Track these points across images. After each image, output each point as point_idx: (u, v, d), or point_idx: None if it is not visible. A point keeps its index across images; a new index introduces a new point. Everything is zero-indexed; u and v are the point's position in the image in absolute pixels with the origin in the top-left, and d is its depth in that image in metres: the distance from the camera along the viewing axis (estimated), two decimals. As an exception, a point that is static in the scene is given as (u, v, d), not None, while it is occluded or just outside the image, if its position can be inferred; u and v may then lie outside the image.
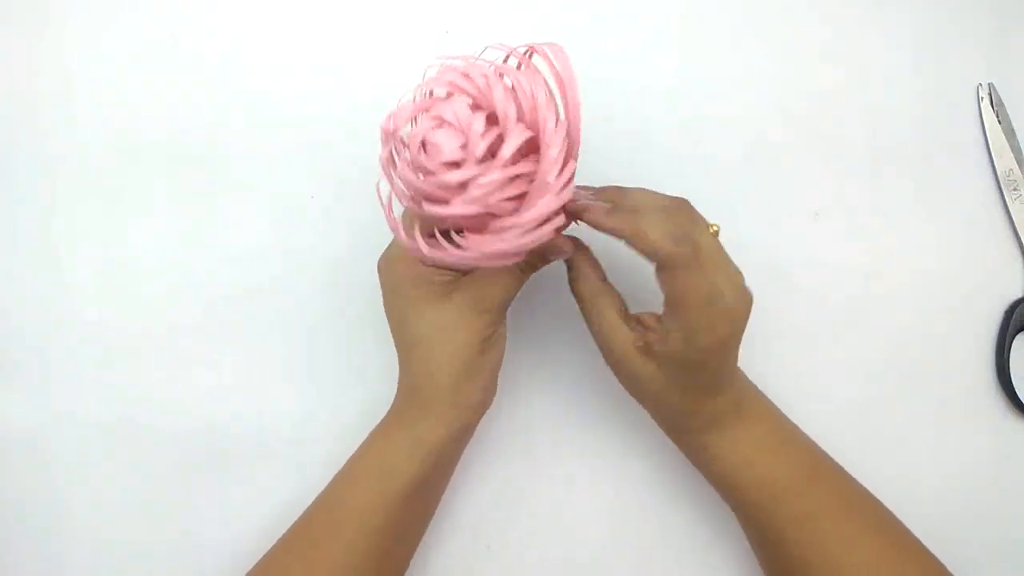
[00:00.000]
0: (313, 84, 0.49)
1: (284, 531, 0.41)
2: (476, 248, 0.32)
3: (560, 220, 0.33)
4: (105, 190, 0.48)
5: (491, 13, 0.50)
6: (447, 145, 0.32)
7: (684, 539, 0.46)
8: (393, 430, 0.41)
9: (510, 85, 0.33)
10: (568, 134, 0.33)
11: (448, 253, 0.33)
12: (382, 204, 0.35)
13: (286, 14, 0.50)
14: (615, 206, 0.36)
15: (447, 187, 0.32)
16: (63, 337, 0.48)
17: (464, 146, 0.32)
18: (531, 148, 0.33)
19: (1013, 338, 0.47)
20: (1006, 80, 0.49)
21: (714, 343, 0.35)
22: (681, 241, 0.34)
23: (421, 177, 0.33)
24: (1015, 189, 0.48)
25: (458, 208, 0.32)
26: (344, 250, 0.48)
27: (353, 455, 0.41)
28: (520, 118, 0.32)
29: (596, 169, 0.42)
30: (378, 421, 0.43)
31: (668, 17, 0.50)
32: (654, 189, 0.38)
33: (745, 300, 0.36)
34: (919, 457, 0.47)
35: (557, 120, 0.33)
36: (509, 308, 0.40)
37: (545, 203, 0.32)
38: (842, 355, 0.47)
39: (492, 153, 0.32)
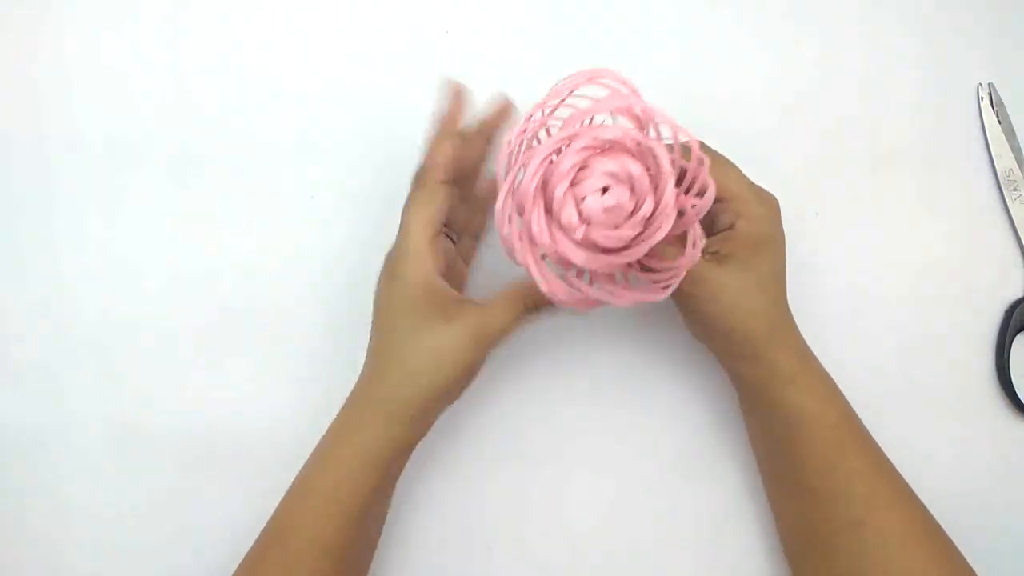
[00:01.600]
0: (313, 84, 0.49)
1: None
2: (621, 296, 0.34)
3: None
4: (105, 190, 0.48)
5: (491, 13, 0.50)
6: (622, 206, 0.32)
7: (684, 539, 0.46)
8: (344, 446, 0.39)
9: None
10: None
11: (598, 294, 0.34)
12: (506, 233, 0.34)
13: (286, 16, 0.50)
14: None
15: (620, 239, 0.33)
16: (63, 338, 0.47)
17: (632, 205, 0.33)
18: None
19: (1013, 338, 0.47)
20: (1006, 80, 0.49)
21: (773, 210, 0.40)
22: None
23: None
24: (1015, 189, 0.48)
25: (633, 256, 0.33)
26: (344, 250, 0.48)
27: (304, 473, 0.40)
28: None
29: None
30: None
31: (667, 18, 0.50)
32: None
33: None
34: (919, 456, 0.47)
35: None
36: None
37: (689, 257, 0.34)
38: (842, 355, 0.47)
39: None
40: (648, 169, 0.33)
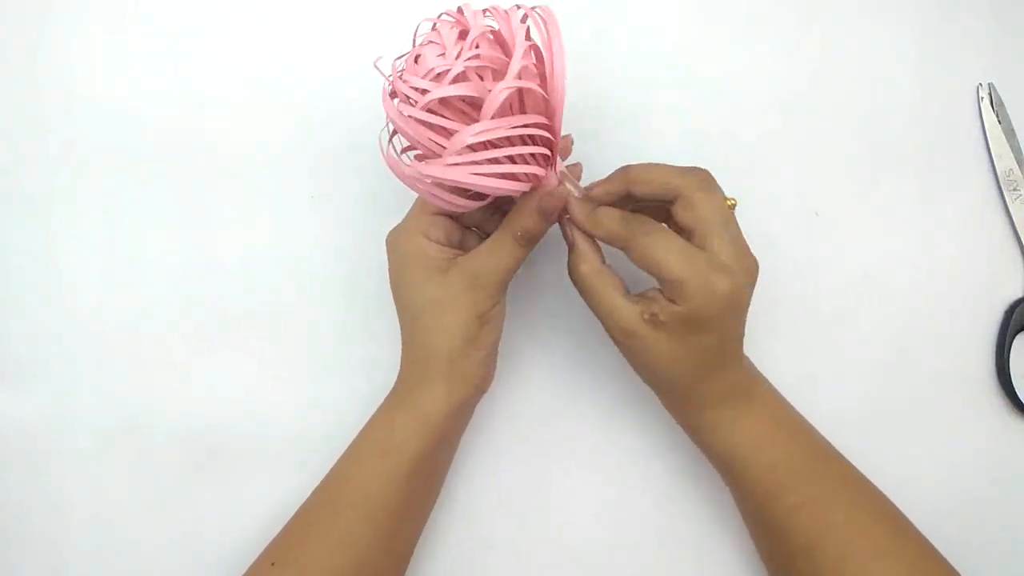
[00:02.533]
0: (313, 85, 0.49)
1: (249, 565, 0.41)
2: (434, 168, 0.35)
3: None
4: (105, 191, 0.48)
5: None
6: (431, 52, 0.35)
7: (683, 538, 0.46)
8: (394, 407, 0.41)
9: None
10: (549, 86, 0.35)
11: (409, 170, 0.36)
12: (383, 144, 0.37)
13: (286, 16, 0.50)
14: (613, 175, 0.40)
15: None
16: (63, 338, 0.48)
17: (443, 55, 0.35)
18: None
19: (1013, 338, 0.47)
20: (1006, 80, 0.49)
21: (719, 299, 0.36)
22: (690, 172, 0.38)
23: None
24: (1015, 189, 0.48)
25: (443, 91, 0.34)
26: (344, 250, 0.48)
27: (356, 436, 0.42)
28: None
29: (595, 170, 0.42)
30: (378, 421, 0.43)
31: (668, 18, 0.50)
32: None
33: (746, 261, 0.37)
34: (919, 457, 0.47)
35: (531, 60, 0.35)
36: (510, 306, 0.40)
37: (484, 127, 0.34)
38: (842, 355, 0.47)
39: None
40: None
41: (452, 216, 0.41)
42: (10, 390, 0.47)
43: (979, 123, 0.49)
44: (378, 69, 0.37)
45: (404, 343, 0.42)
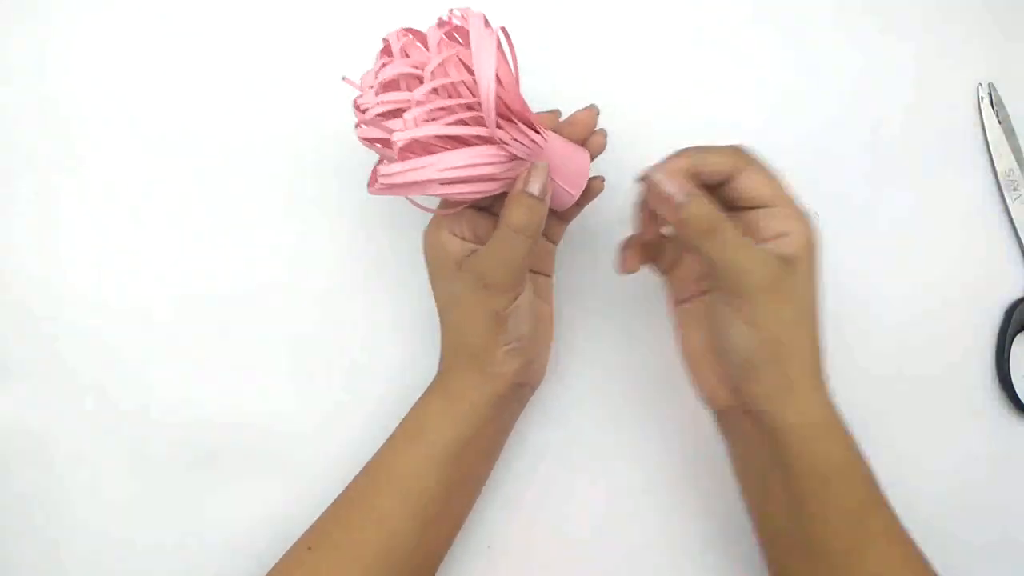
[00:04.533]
0: (313, 85, 0.49)
1: (285, 529, 0.42)
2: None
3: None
4: (105, 190, 0.48)
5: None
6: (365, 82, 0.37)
7: (683, 540, 0.46)
8: (431, 394, 0.42)
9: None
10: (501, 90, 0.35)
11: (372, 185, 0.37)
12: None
13: (285, 15, 0.50)
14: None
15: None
16: (64, 337, 0.48)
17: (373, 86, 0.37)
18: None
19: (1013, 338, 0.47)
20: (1006, 80, 0.49)
21: (815, 234, 0.37)
22: (735, 148, 0.37)
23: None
24: (1015, 189, 0.48)
25: (362, 131, 0.36)
26: (344, 250, 0.48)
27: (400, 422, 0.42)
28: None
29: (594, 169, 0.42)
30: (380, 421, 0.43)
31: (668, 19, 0.50)
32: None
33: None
34: (919, 457, 0.47)
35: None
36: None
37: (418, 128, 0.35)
38: (842, 355, 0.47)
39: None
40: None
41: (481, 208, 0.41)
42: (10, 390, 0.47)
43: (979, 123, 0.49)
44: (349, 81, 0.38)
45: (441, 333, 0.42)
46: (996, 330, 0.48)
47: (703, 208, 0.35)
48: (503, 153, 0.36)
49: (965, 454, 0.47)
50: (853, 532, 0.36)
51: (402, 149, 0.35)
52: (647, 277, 0.47)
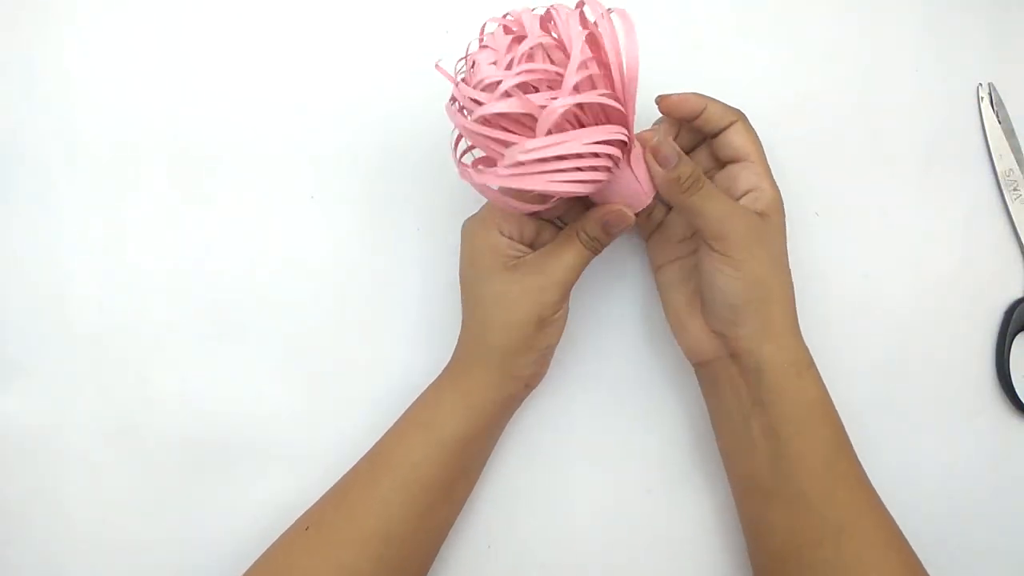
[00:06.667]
0: (313, 84, 0.49)
1: (285, 530, 0.42)
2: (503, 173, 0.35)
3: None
4: (105, 191, 0.48)
5: (491, 13, 0.50)
6: (484, 60, 0.35)
7: (683, 540, 0.46)
8: (444, 386, 0.42)
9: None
10: (618, 86, 0.36)
11: (483, 175, 0.35)
12: (453, 148, 0.38)
13: (285, 14, 0.50)
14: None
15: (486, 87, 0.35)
16: (64, 337, 0.47)
17: (496, 62, 0.35)
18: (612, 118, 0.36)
19: (1013, 338, 0.47)
20: (1006, 80, 0.49)
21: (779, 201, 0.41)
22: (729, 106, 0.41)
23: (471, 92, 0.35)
24: (1015, 189, 0.48)
25: (491, 107, 0.34)
26: (344, 250, 0.48)
27: (405, 411, 0.42)
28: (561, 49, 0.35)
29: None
30: (380, 421, 0.43)
31: (668, 17, 0.50)
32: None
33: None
34: (919, 457, 0.47)
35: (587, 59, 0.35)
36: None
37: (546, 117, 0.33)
38: (842, 355, 0.47)
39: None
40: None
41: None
42: (10, 390, 0.47)
43: (979, 123, 0.49)
44: (441, 70, 0.37)
45: (463, 326, 0.42)
46: (996, 330, 0.48)
47: (690, 167, 0.38)
48: (604, 178, 0.37)
49: (965, 454, 0.47)
50: (827, 474, 0.39)
51: (540, 123, 0.34)
52: (647, 277, 0.47)
